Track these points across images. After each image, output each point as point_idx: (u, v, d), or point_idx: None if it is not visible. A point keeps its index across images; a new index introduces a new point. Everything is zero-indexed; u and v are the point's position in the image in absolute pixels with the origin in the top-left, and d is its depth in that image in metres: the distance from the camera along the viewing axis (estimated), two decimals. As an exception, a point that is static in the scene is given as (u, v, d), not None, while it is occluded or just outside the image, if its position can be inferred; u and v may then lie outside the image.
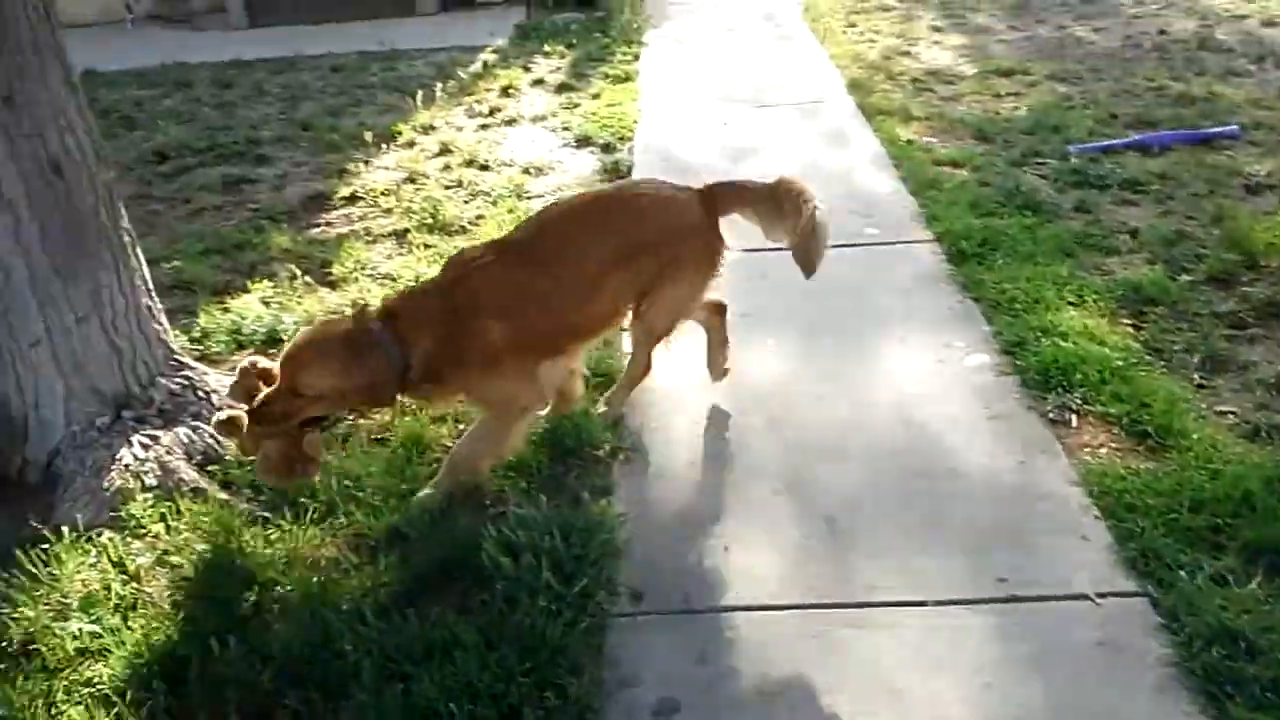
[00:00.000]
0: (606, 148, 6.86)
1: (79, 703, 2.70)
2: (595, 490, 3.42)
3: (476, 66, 9.19)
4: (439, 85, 8.32)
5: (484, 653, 2.69)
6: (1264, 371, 3.89)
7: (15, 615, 2.95)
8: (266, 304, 4.75)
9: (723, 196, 3.57)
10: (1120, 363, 3.88)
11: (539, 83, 8.62)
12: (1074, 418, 3.68)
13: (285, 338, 4.37)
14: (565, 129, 7.31)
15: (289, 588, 3.00)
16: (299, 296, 4.83)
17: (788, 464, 3.56)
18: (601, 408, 3.82)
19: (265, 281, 5.00)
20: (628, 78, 8.58)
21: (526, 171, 6.49)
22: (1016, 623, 2.84)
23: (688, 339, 4.28)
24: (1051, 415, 3.69)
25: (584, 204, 3.68)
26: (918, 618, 2.88)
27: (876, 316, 4.48)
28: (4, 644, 2.90)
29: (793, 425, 3.77)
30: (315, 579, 3.02)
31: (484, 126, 7.56)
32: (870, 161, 6.35)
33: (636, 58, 9.21)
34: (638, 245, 3.43)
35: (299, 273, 5.03)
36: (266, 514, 3.31)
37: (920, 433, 3.67)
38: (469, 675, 2.61)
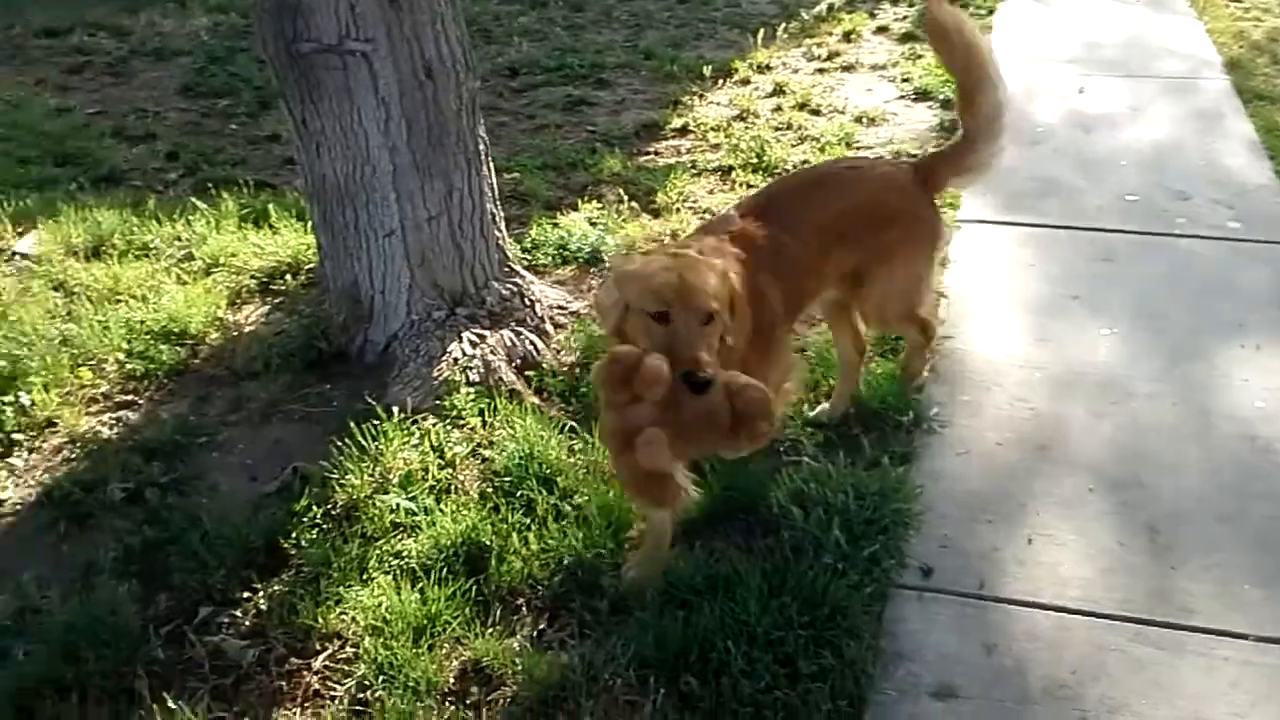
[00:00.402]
0: (946, 103, 6.52)
1: (387, 572, 2.92)
2: (894, 456, 3.31)
3: (820, 9, 8.99)
4: (780, 25, 8.23)
5: (764, 597, 2.68)
6: None
7: (343, 482, 3.22)
8: (593, 224, 4.90)
9: (939, 171, 3.36)
10: None
11: (882, 30, 8.33)
12: None
13: (606, 259, 4.52)
14: (905, 80, 7.03)
15: (586, 498, 3.12)
16: (623, 220, 4.96)
17: (1109, 462, 3.31)
18: (898, 371, 3.69)
19: (594, 202, 5.17)
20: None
21: (858, 120, 6.30)
22: (1352, 678, 2.54)
23: (1007, 313, 4.09)
24: None
25: (809, 176, 3.52)
26: (1236, 650, 2.64)
27: (1229, 319, 4.06)
28: (330, 506, 3.17)
29: (1119, 422, 3.50)
30: (610, 494, 3.11)
31: (820, 70, 7.40)
32: (1242, 149, 5.71)
33: (992, 12, 8.69)
34: (852, 221, 3.19)
35: (625, 198, 5.18)
36: (574, 424, 3.45)
37: (1266, 454, 3.32)
38: (748, 616, 2.62)
